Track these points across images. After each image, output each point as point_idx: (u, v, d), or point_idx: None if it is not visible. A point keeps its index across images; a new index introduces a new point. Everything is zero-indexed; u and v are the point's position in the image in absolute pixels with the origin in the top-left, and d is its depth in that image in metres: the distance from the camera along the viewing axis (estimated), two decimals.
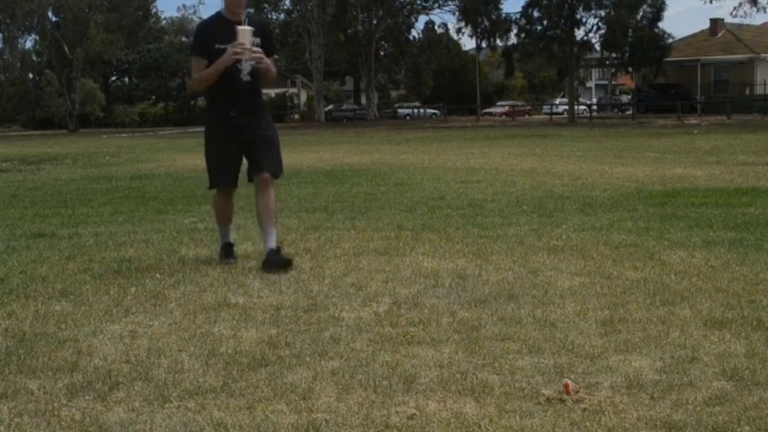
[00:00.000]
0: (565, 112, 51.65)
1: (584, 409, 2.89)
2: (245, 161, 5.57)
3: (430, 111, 61.18)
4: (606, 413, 2.85)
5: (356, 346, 3.64)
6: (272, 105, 53.10)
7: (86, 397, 3.10)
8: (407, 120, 57.93)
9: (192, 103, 66.76)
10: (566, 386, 3.04)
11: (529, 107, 62.92)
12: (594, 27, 46.95)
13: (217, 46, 5.30)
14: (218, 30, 5.38)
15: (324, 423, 2.81)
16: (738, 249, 5.71)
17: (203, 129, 5.65)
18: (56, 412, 2.94)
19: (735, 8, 54.71)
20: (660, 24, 46.46)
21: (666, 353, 3.47)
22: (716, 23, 52.76)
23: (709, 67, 50.55)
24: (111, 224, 7.65)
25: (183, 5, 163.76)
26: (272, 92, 57.64)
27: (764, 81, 48.48)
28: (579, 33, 47.00)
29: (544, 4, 46.26)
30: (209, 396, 3.08)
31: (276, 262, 5.26)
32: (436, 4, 59.56)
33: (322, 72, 56.04)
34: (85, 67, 57.76)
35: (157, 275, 5.20)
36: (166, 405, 3.00)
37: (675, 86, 49.47)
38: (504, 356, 3.46)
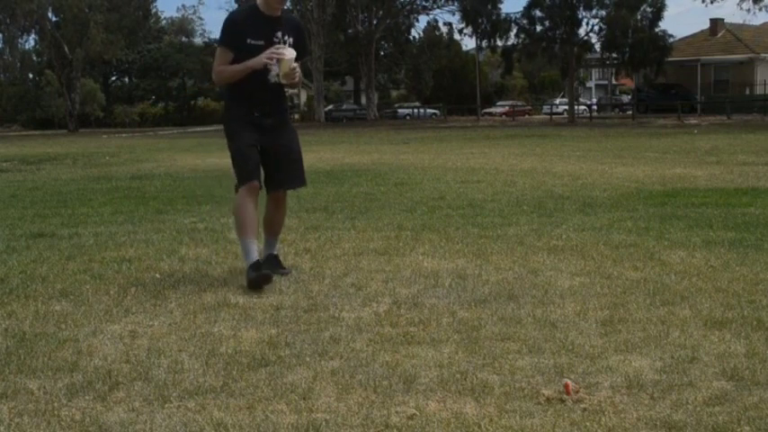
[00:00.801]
0: (565, 112, 51.65)
1: (584, 409, 2.89)
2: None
3: (430, 111, 61.20)
4: (606, 413, 2.85)
5: (356, 346, 3.64)
6: None
7: (86, 397, 3.10)
8: (407, 120, 57.93)
9: (192, 103, 66.77)
10: (566, 386, 3.04)
11: (529, 107, 62.93)
12: (595, 27, 47.03)
13: (249, 41, 4.91)
14: (251, 24, 4.96)
15: (324, 423, 2.81)
16: (738, 249, 5.71)
17: (223, 128, 5.21)
18: (56, 412, 2.94)
19: (740, 1, 54.70)
20: (660, 24, 46.47)
21: (666, 353, 3.47)
22: (716, 23, 52.78)
23: (709, 67, 50.56)
24: (111, 224, 7.64)
25: (183, 5, 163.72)
26: None
27: (764, 81, 48.49)
28: (579, 33, 47.02)
29: (546, 4, 46.26)
30: (209, 396, 3.08)
31: (267, 268, 4.94)
32: (436, 5, 59.62)
33: (322, 72, 56.02)
34: (85, 67, 57.76)
35: (157, 275, 5.20)
36: (166, 405, 3.00)
37: (675, 86, 49.48)
38: (504, 356, 3.46)
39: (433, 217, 7.67)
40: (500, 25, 47.71)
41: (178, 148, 24.35)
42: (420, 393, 3.07)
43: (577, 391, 3.03)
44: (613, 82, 71.13)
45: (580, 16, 46.35)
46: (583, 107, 56.88)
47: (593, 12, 46.28)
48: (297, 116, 61.88)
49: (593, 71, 74.77)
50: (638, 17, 45.95)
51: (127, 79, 72.90)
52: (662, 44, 45.71)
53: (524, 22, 47.10)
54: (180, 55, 65.86)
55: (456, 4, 54.36)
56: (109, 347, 3.71)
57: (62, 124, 56.18)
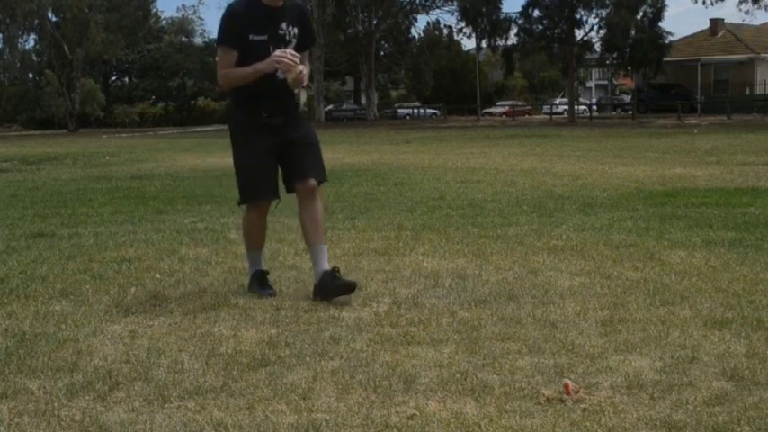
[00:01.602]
0: (565, 112, 51.64)
1: (584, 409, 2.89)
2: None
3: (430, 111, 61.18)
4: (606, 413, 2.85)
5: (356, 346, 3.64)
6: None
7: (86, 397, 3.09)
8: (407, 120, 57.93)
9: (192, 103, 66.78)
10: (566, 386, 3.04)
11: (529, 107, 62.91)
12: (595, 27, 47.02)
13: (252, 37, 4.49)
14: (253, 17, 4.53)
15: (324, 423, 2.81)
16: (738, 249, 5.71)
17: (229, 132, 4.82)
18: (56, 412, 2.94)
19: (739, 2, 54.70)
20: (660, 24, 46.47)
21: (666, 353, 3.47)
22: (716, 23, 52.78)
23: (709, 67, 50.56)
24: (111, 224, 7.64)
25: (183, 5, 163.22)
26: None
27: (764, 81, 48.50)
28: (579, 33, 47.06)
29: (545, 4, 46.26)
30: (209, 396, 3.08)
31: (335, 287, 4.46)
32: (436, 5, 59.60)
33: (322, 72, 56.00)
34: (85, 67, 57.75)
35: (157, 275, 5.20)
36: (166, 405, 3.00)
37: (675, 86, 49.48)
38: (504, 356, 3.46)
39: (433, 217, 7.67)
40: (499, 25, 47.71)
41: (178, 148, 24.35)
42: (420, 393, 3.07)
43: (577, 391, 3.03)
44: (613, 82, 71.09)
45: (579, 16, 46.36)
46: (583, 107, 56.87)
47: (593, 12, 46.32)
48: None
49: (594, 71, 74.73)
50: (639, 17, 45.94)
51: (127, 79, 72.91)
52: (660, 42, 45.69)
53: (522, 21, 47.10)
54: (180, 55, 65.83)
55: (456, 3, 54.36)
56: (109, 347, 3.71)
57: (62, 124, 56.17)
